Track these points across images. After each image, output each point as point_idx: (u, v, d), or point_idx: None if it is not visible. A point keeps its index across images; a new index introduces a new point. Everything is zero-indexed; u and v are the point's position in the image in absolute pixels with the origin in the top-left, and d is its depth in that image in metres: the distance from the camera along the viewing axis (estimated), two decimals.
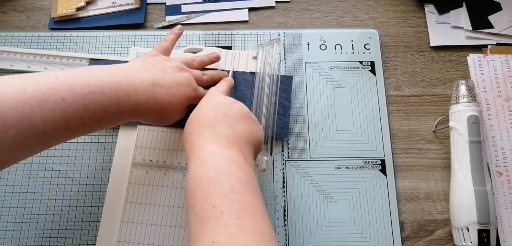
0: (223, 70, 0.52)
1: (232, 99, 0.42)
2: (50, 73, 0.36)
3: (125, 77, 0.39)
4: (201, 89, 0.45)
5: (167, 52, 0.46)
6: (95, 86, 0.36)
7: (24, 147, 0.34)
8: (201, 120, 0.38)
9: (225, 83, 0.46)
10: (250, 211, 0.31)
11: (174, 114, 0.43)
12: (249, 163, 0.37)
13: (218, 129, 0.37)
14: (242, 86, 0.51)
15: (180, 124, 0.49)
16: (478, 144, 0.47)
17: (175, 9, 0.58)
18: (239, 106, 0.40)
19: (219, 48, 0.54)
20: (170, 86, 0.41)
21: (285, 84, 0.52)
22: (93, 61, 0.53)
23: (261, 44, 0.55)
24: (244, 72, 0.52)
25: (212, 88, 0.45)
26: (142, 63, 0.42)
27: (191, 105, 0.44)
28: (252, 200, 0.32)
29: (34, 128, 0.33)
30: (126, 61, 0.52)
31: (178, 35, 0.49)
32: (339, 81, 0.53)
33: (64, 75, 0.36)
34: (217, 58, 0.51)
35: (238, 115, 0.39)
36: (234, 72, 0.52)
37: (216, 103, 0.40)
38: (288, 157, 0.50)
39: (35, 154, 0.36)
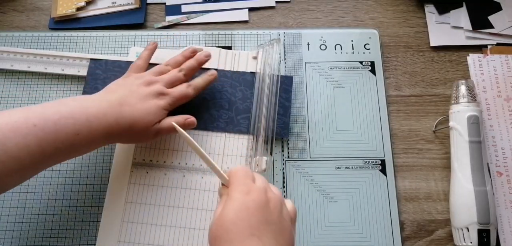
0: (217, 69, 0.52)
1: (270, 194, 0.34)
2: (22, 108, 0.39)
3: (93, 102, 0.41)
4: (176, 91, 0.45)
5: (140, 70, 0.47)
6: (65, 112, 0.39)
7: (3, 174, 0.35)
8: (241, 226, 0.31)
9: (245, 170, 0.36)
10: None
11: (147, 129, 0.43)
12: None
13: (265, 242, 0.31)
14: (242, 86, 0.51)
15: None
16: (478, 144, 0.47)
17: (175, 9, 0.58)
18: (279, 204, 0.34)
19: (219, 48, 0.54)
20: (135, 103, 0.42)
21: (286, 84, 0.52)
22: (93, 61, 0.53)
23: (261, 44, 0.55)
24: (244, 72, 0.52)
25: (235, 179, 0.35)
26: (111, 87, 0.44)
27: (171, 111, 0.45)
28: None
29: (8, 152, 0.35)
30: (126, 61, 0.53)
31: (152, 51, 0.49)
32: (339, 81, 0.53)
33: (35, 106, 0.39)
34: (207, 56, 0.49)
35: (282, 219, 0.33)
36: (234, 72, 0.52)
37: (255, 203, 0.33)
38: (288, 157, 0.50)
39: (17, 184, 0.38)
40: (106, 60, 0.53)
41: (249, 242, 0.31)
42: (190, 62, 0.48)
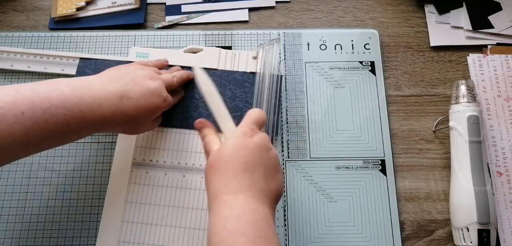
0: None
1: (270, 145, 0.38)
2: (12, 86, 0.36)
3: (89, 91, 0.38)
4: (170, 98, 0.45)
5: (144, 63, 0.47)
6: (57, 100, 0.36)
7: None
8: (237, 161, 0.35)
9: (260, 116, 0.40)
10: None
11: (143, 124, 0.43)
12: (274, 222, 0.36)
13: (255, 178, 0.35)
14: (231, 85, 0.51)
15: (180, 124, 0.50)
16: (478, 144, 0.47)
17: (175, 9, 0.58)
18: (275, 156, 0.37)
19: (219, 48, 0.54)
20: (138, 99, 0.40)
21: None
22: (83, 61, 0.53)
23: (261, 44, 0.55)
24: (235, 72, 0.52)
25: (244, 122, 0.39)
26: (112, 73, 0.42)
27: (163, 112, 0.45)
28: None
29: None
30: (126, 62, 0.53)
31: (159, 65, 0.48)
32: (339, 81, 0.53)
33: (25, 88, 0.35)
34: (190, 76, 0.50)
35: (273, 166, 0.36)
36: (223, 71, 0.52)
37: (255, 146, 0.36)
38: (288, 157, 0.50)
39: None
40: (96, 60, 0.53)
41: (241, 175, 0.34)
42: (183, 73, 0.49)
